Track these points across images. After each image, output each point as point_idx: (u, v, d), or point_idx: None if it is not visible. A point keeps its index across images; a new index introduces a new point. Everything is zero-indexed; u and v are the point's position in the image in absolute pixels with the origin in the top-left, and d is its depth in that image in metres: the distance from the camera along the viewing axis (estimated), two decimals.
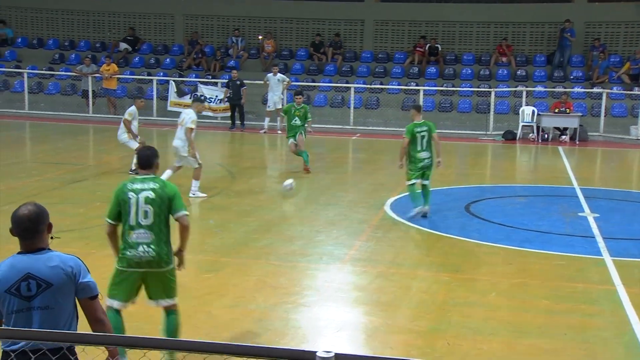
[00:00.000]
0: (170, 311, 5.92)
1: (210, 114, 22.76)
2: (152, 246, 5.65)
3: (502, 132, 21.66)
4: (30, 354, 3.52)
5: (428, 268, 9.23)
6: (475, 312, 7.53)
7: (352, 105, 22.83)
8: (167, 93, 23.30)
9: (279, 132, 21.48)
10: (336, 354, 2.85)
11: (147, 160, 5.84)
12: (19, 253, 3.86)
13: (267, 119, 21.79)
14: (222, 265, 8.91)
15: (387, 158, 16.70)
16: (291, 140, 15.20)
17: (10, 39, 26.76)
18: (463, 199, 12.92)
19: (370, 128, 22.50)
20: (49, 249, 3.92)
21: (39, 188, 12.66)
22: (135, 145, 13.34)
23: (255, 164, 17.74)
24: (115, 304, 5.80)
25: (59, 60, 26.04)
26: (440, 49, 25.08)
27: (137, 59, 26.04)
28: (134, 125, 13.70)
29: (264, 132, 21.56)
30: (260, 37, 26.21)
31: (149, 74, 24.73)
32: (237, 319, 7.16)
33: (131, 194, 5.64)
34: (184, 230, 5.84)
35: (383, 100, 23.59)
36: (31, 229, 3.82)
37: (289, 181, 12.80)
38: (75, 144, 18.90)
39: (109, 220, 5.74)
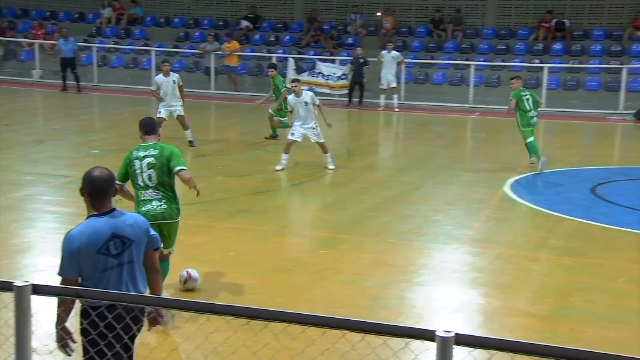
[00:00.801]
0: (167, 260, 6.58)
1: (327, 91, 22.85)
2: (163, 201, 6.38)
3: (634, 111, 20.50)
4: (107, 311, 3.79)
5: (550, 251, 8.89)
6: (601, 298, 7.20)
7: (471, 84, 22.28)
8: (286, 70, 23.56)
9: (397, 109, 21.33)
10: (456, 334, 2.78)
11: (153, 128, 6.53)
12: (93, 216, 4.11)
13: (382, 97, 21.66)
14: (338, 242, 8.94)
15: (507, 137, 16.22)
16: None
17: (140, 18, 27.84)
18: (588, 180, 12.35)
19: (490, 107, 21.90)
20: (116, 209, 4.19)
21: None
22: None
23: (371, 141, 17.69)
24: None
25: (184, 38, 26.86)
26: (567, 24, 23.99)
27: (257, 36, 26.48)
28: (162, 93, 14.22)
29: (382, 110, 21.44)
30: (379, 14, 25.99)
31: (269, 52, 25.09)
32: (353, 295, 7.17)
33: (137, 162, 6.31)
34: (187, 181, 6.51)
35: (505, 78, 22.85)
36: (105, 190, 4.13)
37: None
38: (197, 120, 19.47)
39: (118, 182, 5.93)
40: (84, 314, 3.95)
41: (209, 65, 24.10)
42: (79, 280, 4.07)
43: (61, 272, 4.05)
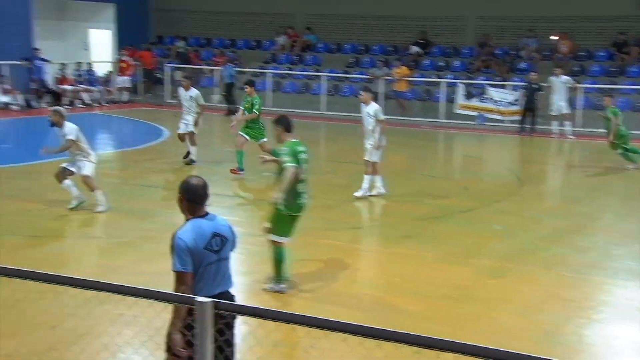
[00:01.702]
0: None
1: (498, 117, 22.26)
2: (307, 194, 7.37)
3: None
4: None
5: None
6: None
7: None
8: (455, 96, 23.24)
9: (571, 137, 20.33)
10: None
11: (293, 127, 7.51)
12: (194, 218, 4.58)
13: (554, 123, 20.75)
14: (508, 271, 8.57)
15: None
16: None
17: (313, 45, 28.67)
18: None
19: None
20: (209, 212, 4.67)
21: (329, 185, 13.28)
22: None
23: (543, 169, 16.95)
24: (286, 240, 7.47)
25: (354, 63, 27.31)
26: None
27: (427, 61, 26.38)
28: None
29: (555, 137, 20.53)
30: (554, 38, 25.01)
31: (438, 77, 24.89)
32: (525, 328, 6.81)
33: (302, 155, 7.30)
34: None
35: None
36: (204, 196, 4.63)
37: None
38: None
39: (295, 165, 7.22)
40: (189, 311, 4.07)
41: (377, 90, 24.29)
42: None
43: (179, 267, 4.42)
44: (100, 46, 28.77)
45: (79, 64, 25.79)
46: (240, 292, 7.90)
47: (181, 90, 14.93)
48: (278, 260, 7.51)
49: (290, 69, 27.57)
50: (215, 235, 4.58)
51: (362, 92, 12.34)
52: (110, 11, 28.39)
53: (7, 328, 6.46)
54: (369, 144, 11.77)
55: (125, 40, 28.24)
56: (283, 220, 7.45)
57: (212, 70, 26.83)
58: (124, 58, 26.77)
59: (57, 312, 6.57)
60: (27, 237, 9.48)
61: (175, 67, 26.85)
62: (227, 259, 4.71)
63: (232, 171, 13.55)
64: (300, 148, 7.42)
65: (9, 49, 23.39)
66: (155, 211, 10.94)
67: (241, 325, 6.49)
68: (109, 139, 19.95)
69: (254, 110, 13.58)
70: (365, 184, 11.82)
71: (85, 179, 10.54)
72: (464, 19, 26.78)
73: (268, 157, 8.11)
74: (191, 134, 14.74)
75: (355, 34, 28.26)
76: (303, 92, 26.63)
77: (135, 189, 12.54)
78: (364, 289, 7.39)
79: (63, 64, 25.27)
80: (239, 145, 13.55)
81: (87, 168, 10.53)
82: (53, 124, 10.54)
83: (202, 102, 14.84)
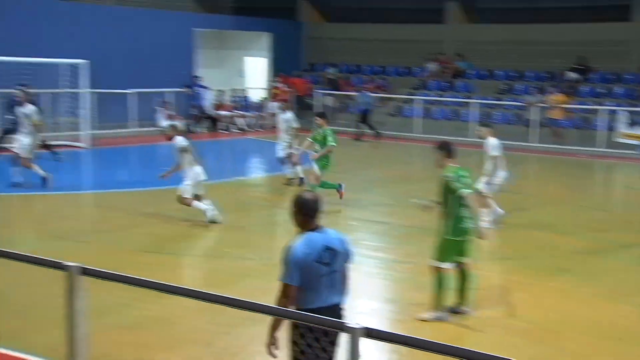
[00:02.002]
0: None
1: None
2: (470, 219, 7.29)
3: None
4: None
5: None
6: None
7: None
8: (617, 123, 22.03)
9: None
10: None
11: (455, 153, 7.53)
12: (307, 232, 4.69)
13: None
14: None
15: None
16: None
17: (464, 71, 28.28)
18: None
19: None
20: (322, 226, 4.77)
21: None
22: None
23: None
24: (447, 266, 7.39)
25: (507, 90, 26.63)
26: None
27: (586, 88, 25.25)
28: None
29: None
30: None
31: (597, 104, 23.73)
32: None
33: (466, 180, 7.30)
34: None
35: None
36: (317, 210, 4.74)
37: None
38: (516, 172, 19.00)
39: (467, 191, 7.29)
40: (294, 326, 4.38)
41: (530, 117, 23.51)
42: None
43: (285, 279, 4.58)
44: (255, 73, 29.89)
45: (235, 90, 26.88)
46: (386, 318, 7.82)
47: (281, 114, 15.80)
48: (438, 286, 7.41)
49: (440, 96, 27.33)
50: (327, 248, 4.69)
51: (480, 128, 12.39)
52: (265, 40, 29.47)
53: (164, 342, 6.74)
54: (484, 177, 11.58)
55: (279, 68, 29.18)
56: (446, 245, 7.36)
57: (377, 97, 27.12)
58: (278, 85, 27.62)
59: (213, 330, 6.75)
60: (181, 256, 9.88)
61: (326, 93, 27.36)
62: (338, 271, 4.79)
63: (339, 194, 13.37)
64: (463, 173, 7.36)
65: (174, 77, 24.90)
66: None
67: (391, 354, 6.41)
68: (261, 163, 20.57)
69: (330, 142, 13.38)
70: (487, 217, 11.29)
71: (178, 197, 11.23)
72: (627, 44, 25.45)
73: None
74: (292, 155, 15.12)
75: (508, 60, 27.57)
76: (452, 119, 26.28)
77: (286, 212, 12.78)
78: (516, 322, 7.06)
79: (220, 91, 26.45)
80: (316, 180, 13.34)
81: (180, 187, 11.23)
82: (169, 139, 11.30)
83: (295, 124, 15.55)
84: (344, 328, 3.28)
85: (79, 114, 20.38)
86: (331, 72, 29.78)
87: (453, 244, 7.37)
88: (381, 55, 29.92)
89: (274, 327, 4.58)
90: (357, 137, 24.00)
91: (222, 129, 25.45)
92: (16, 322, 7.06)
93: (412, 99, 26.47)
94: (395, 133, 24.78)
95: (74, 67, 20.19)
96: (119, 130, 21.69)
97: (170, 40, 25.56)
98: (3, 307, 7.43)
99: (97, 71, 20.81)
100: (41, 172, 13.12)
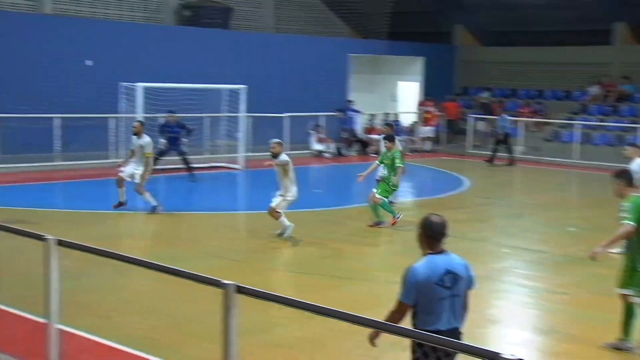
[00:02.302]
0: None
1: None
2: None
3: None
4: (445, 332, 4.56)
5: None
6: None
7: None
8: None
9: None
10: None
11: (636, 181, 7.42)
12: (430, 254, 4.80)
13: None
14: None
15: None
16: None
17: (630, 95, 26.82)
18: None
19: None
20: (446, 250, 4.84)
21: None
22: None
23: None
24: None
25: None
26: None
27: None
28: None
29: None
30: None
31: None
32: None
33: None
34: None
35: None
36: (443, 233, 4.83)
37: None
38: None
39: (633, 224, 6.93)
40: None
41: None
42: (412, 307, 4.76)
43: (402, 298, 4.74)
44: (407, 97, 29.91)
45: (386, 114, 27.03)
46: (538, 350, 7.53)
47: (381, 142, 15.36)
48: (627, 315, 7.12)
49: (602, 120, 26.05)
50: (449, 272, 4.75)
51: (627, 147, 11.92)
52: (419, 64, 29.44)
53: None
54: None
55: (430, 92, 29.03)
56: (635, 273, 7.03)
57: (516, 121, 26.38)
58: (429, 109, 27.48)
59: (363, 354, 6.74)
60: (330, 278, 10.00)
61: (478, 117, 26.89)
62: (459, 296, 4.81)
63: (393, 222, 12.88)
64: None
65: (327, 101, 25.48)
66: None
67: None
68: (411, 187, 20.48)
69: (398, 164, 13.04)
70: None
71: (270, 211, 11.64)
72: None
73: None
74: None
75: None
76: (615, 145, 24.93)
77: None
78: None
79: (372, 115, 26.68)
80: (376, 201, 12.98)
81: (276, 200, 11.59)
82: (274, 155, 11.69)
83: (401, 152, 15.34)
84: (498, 358, 3.19)
85: (236, 137, 21.26)
86: (485, 96, 29.25)
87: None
88: (538, 79, 29.02)
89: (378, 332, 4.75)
90: (490, 160, 23.39)
91: (372, 153, 25.63)
92: (174, 334, 7.43)
93: (571, 124, 25.43)
94: (550, 159, 23.88)
95: (233, 92, 21.15)
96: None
97: (325, 65, 26.17)
98: (162, 319, 7.85)
99: (254, 96, 21.69)
100: (152, 200, 13.49)
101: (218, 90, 21.36)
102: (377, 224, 13.00)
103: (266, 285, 8.94)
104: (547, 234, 13.35)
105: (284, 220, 11.74)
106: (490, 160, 23.36)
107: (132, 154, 13.89)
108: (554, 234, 13.24)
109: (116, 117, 19.75)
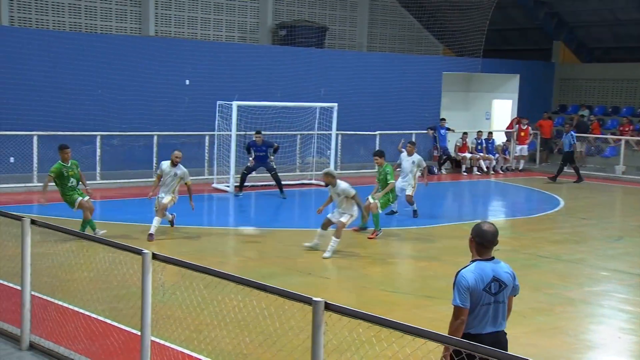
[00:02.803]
0: None
1: None
2: None
3: None
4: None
5: None
6: None
7: None
8: None
9: None
10: None
11: None
12: (478, 260, 4.95)
13: None
14: None
15: None
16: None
17: None
18: None
19: None
20: (494, 257, 5.02)
21: None
22: None
23: None
24: None
25: None
26: None
27: None
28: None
29: None
30: None
31: None
32: None
33: None
34: None
35: None
36: (493, 241, 4.97)
37: None
38: None
39: None
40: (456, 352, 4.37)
41: None
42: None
43: (458, 302, 4.84)
44: (501, 115, 29.34)
45: (479, 132, 26.60)
46: None
47: (403, 155, 15.69)
48: None
49: None
50: (495, 279, 4.92)
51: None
52: (514, 82, 28.83)
53: None
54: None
55: (524, 109, 28.37)
56: None
57: (619, 140, 25.44)
58: (523, 127, 26.88)
59: None
60: (421, 297, 9.88)
61: (575, 136, 26.06)
62: (503, 302, 4.98)
63: (374, 234, 13.24)
64: None
65: (419, 119, 25.33)
66: (549, 283, 10.54)
67: None
68: (503, 207, 20.05)
69: (390, 180, 13.48)
70: None
71: (340, 226, 11.84)
72: None
73: None
74: (409, 196, 15.40)
75: None
76: None
77: (529, 258, 12.29)
78: None
79: (464, 133, 26.33)
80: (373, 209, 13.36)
81: (345, 217, 11.95)
82: (327, 184, 12.14)
83: (424, 164, 15.77)
84: None
85: (327, 155, 21.38)
86: (584, 114, 28.39)
87: None
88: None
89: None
90: (554, 177, 22.67)
91: (463, 171, 25.26)
92: (263, 350, 7.50)
93: None
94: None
95: (325, 110, 21.31)
96: (361, 171, 22.40)
97: (418, 83, 26.03)
98: (252, 335, 7.93)
99: (347, 113, 21.79)
100: (170, 217, 13.41)
101: (310, 108, 21.59)
102: (362, 228, 13.55)
103: (356, 303, 8.92)
104: None
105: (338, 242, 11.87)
106: (554, 177, 22.78)
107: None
108: None
109: (211, 135, 20.24)
